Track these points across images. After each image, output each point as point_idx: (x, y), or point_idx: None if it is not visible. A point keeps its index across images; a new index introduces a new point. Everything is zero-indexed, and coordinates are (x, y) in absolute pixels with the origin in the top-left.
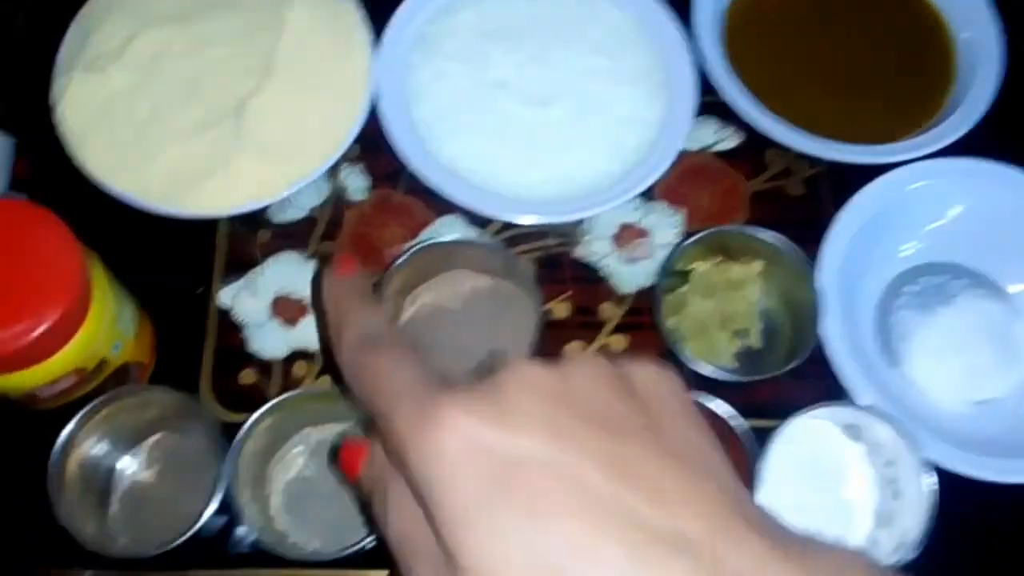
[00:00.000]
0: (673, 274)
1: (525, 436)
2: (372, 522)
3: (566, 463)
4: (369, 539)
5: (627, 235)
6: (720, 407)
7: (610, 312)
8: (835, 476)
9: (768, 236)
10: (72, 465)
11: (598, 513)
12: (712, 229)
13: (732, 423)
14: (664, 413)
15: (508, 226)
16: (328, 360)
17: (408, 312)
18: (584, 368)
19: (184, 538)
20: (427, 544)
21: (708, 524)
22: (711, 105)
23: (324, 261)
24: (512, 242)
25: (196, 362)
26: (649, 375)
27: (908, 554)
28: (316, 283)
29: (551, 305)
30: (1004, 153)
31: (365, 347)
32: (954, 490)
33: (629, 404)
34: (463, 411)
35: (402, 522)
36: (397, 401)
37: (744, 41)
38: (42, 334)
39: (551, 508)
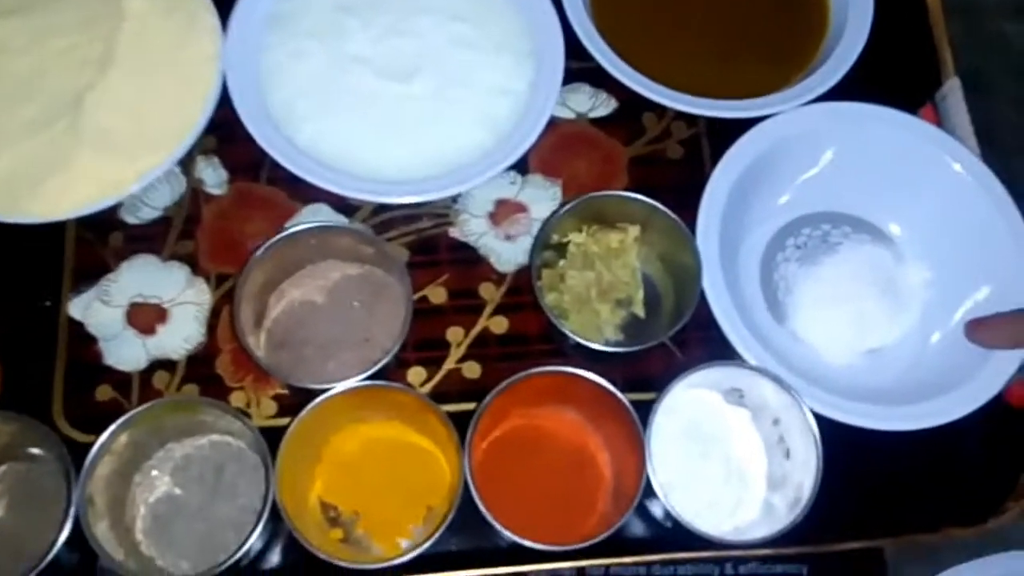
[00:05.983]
0: (548, 247)
1: None
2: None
3: None
4: (239, 554)
5: (503, 211)
6: (605, 383)
7: (489, 293)
8: (722, 442)
9: (640, 199)
10: None
11: None
12: (583, 197)
13: (618, 396)
14: None
15: (378, 210)
16: None
17: (275, 309)
18: None
19: None
20: None
21: None
22: (582, 71)
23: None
24: (384, 227)
25: (47, 382)
26: None
27: (802, 512)
28: None
29: (428, 291)
30: (883, 96)
31: None
32: (849, 443)
33: None
34: None
35: None
36: None
37: (612, 2)
38: None
39: None
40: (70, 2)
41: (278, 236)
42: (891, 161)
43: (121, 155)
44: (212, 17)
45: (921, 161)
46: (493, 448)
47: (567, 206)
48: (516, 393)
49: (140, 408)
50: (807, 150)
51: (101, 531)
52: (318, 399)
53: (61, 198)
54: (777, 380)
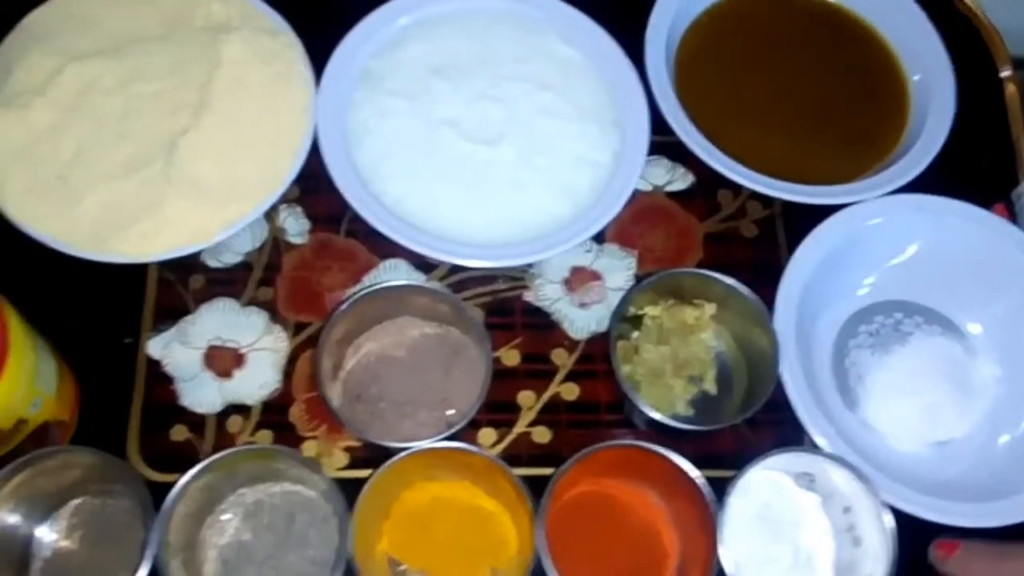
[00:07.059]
0: (625, 320)
1: None
2: None
3: None
4: None
5: (578, 278)
6: (680, 461)
7: (562, 359)
8: (792, 526)
9: (719, 278)
10: None
11: None
12: (663, 272)
13: (693, 475)
14: None
15: (455, 269)
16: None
17: (351, 361)
18: None
19: None
20: None
21: None
22: (662, 144)
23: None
24: (460, 287)
25: (123, 419)
26: None
27: None
28: None
29: (501, 352)
30: (957, 190)
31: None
32: (917, 534)
33: None
34: None
35: None
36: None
37: (696, 78)
38: None
39: None
40: (164, 45)
41: (364, 291)
42: (972, 259)
43: (210, 203)
44: (306, 69)
45: (1003, 263)
46: (561, 514)
47: (647, 280)
48: (590, 463)
49: (220, 454)
50: (891, 240)
51: (173, 571)
52: (395, 458)
53: (148, 242)
54: (852, 469)
